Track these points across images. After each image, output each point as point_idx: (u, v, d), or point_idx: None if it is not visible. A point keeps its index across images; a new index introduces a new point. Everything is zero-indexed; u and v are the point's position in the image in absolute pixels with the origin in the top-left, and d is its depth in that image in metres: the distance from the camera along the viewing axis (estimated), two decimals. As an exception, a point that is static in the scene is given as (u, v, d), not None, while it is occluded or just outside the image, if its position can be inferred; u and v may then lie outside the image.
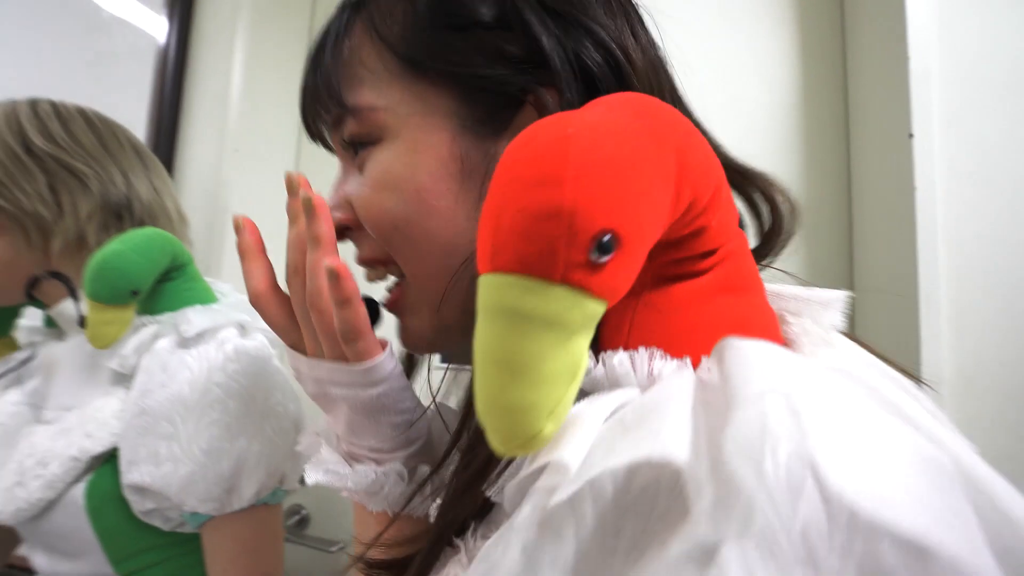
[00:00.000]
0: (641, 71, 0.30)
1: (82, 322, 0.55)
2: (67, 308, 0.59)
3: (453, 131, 0.30)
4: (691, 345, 0.24)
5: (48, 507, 0.52)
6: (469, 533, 0.27)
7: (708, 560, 0.15)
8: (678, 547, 0.16)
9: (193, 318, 0.55)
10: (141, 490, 0.51)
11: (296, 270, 0.33)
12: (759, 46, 0.91)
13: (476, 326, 0.19)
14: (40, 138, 0.56)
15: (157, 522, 0.53)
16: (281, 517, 0.60)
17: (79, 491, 0.52)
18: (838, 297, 0.28)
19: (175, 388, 0.52)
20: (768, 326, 0.26)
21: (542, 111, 0.30)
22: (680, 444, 0.18)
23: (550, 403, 0.19)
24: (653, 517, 0.18)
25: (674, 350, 0.23)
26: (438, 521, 0.28)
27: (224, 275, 0.95)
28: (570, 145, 0.18)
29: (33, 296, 0.58)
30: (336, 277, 0.30)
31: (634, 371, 0.23)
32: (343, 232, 0.34)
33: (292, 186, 0.33)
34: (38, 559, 0.56)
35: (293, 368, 0.35)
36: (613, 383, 0.23)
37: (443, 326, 0.33)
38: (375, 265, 0.35)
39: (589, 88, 0.29)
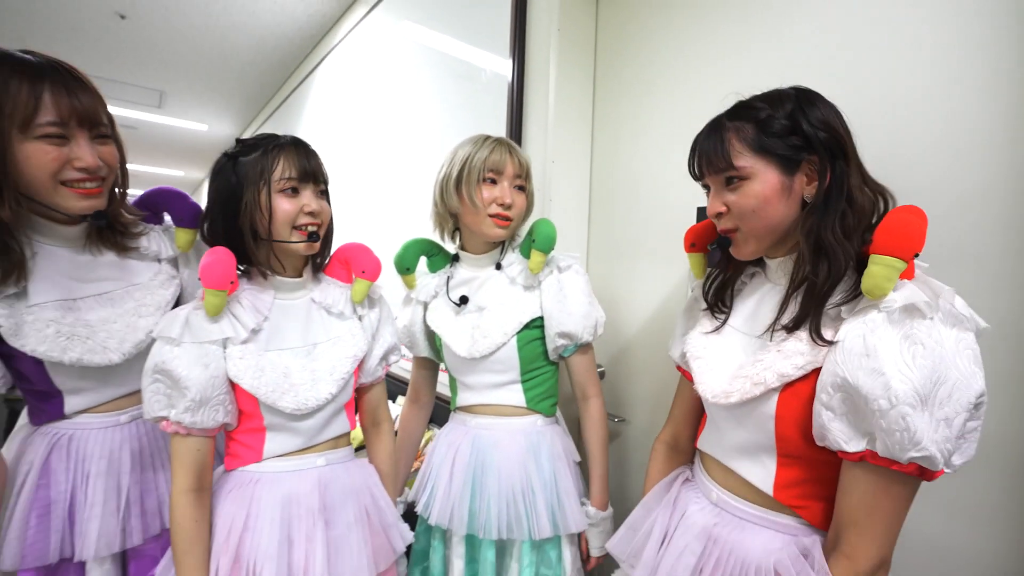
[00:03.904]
0: (844, 138, 0.67)
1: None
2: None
3: (777, 174, 0.68)
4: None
5: (500, 347, 1.04)
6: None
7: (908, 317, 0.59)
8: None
9: (564, 257, 1.07)
10: (563, 335, 1.03)
11: None
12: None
13: (872, 266, 0.60)
14: None
15: (550, 353, 1.07)
16: None
17: (514, 339, 1.04)
18: (923, 266, 0.66)
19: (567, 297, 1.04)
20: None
21: (810, 166, 0.68)
22: (919, 298, 0.58)
23: (892, 284, 0.59)
24: (914, 314, 0.59)
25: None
26: (816, 301, 0.66)
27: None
28: (919, 224, 0.61)
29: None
30: None
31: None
32: (719, 216, 0.74)
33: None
34: (483, 377, 1.08)
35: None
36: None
37: (760, 249, 0.74)
38: (728, 229, 0.75)
39: (829, 154, 0.66)
